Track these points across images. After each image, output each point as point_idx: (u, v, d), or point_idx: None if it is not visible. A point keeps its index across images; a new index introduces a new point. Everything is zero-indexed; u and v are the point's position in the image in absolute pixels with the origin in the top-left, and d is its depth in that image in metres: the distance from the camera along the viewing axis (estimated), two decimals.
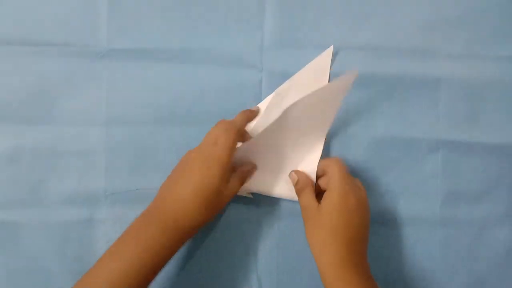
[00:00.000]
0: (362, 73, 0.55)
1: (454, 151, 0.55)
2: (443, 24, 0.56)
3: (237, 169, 0.51)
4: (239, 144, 0.51)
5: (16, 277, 0.54)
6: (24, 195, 0.54)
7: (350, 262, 0.46)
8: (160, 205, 0.48)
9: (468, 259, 0.54)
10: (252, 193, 0.54)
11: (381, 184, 0.55)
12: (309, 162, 0.53)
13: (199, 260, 0.54)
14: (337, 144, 0.55)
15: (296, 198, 0.51)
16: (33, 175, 0.54)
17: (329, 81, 0.54)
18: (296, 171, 0.52)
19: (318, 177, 0.52)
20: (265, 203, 0.55)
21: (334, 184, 0.48)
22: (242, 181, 0.51)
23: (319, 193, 0.50)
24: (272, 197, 0.54)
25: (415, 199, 0.55)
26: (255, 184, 0.53)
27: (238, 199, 0.53)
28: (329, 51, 0.55)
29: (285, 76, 0.55)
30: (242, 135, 0.52)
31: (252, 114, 0.54)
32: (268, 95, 0.55)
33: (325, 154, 0.54)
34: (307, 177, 0.52)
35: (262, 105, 0.55)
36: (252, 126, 0.54)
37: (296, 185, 0.51)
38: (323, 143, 0.54)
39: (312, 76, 0.54)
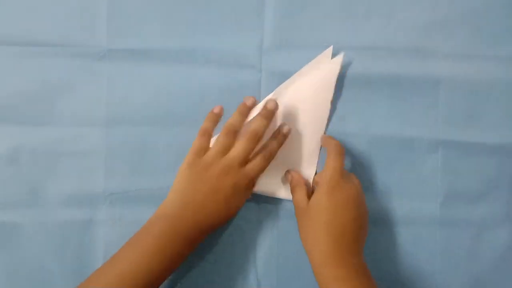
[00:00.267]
0: (362, 73, 0.55)
1: (453, 151, 0.55)
2: (443, 24, 0.56)
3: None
4: None
5: (15, 277, 0.54)
6: (24, 195, 0.54)
7: (341, 259, 0.46)
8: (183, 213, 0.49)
9: (467, 259, 0.54)
10: (252, 193, 0.54)
11: (381, 184, 0.55)
12: (308, 160, 0.53)
13: (198, 260, 0.54)
14: None
15: None
16: (33, 176, 0.54)
17: (335, 85, 0.54)
18: (290, 170, 0.53)
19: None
20: (265, 203, 0.55)
21: (322, 181, 0.49)
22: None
23: None
24: (272, 197, 0.54)
25: (415, 199, 0.55)
26: (256, 184, 0.53)
27: None
28: (329, 51, 0.54)
29: (285, 76, 0.55)
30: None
31: (247, 109, 0.53)
32: (268, 95, 0.55)
33: (325, 154, 0.54)
34: (299, 175, 0.52)
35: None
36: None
37: (290, 183, 0.52)
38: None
39: (317, 79, 0.54)
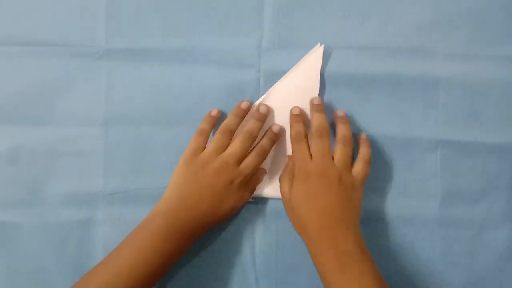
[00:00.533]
0: (361, 73, 0.55)
1: (453, 151, 0.55)
2: (442, 24, 0.56)
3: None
4: None
5: (15, 276, 0.54)
6: (23, 195, 0.54)
7: (332, 239, 0.47)
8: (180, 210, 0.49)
9: (467, 259, 0.54)
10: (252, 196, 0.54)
11: (380, 184, 0.55)
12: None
13: (197, 259, 0.54)
14: None
15: None
16: (32, 176, 0.55)
17: (320, 81, 0.54)
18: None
19: None
20: (265, 203, 0.55)
21: (295, 171, 0.50)
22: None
23: None
24: (272, 197, 0.54)
25: (414, 198, 0.55)
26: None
27: None
28: (319, 50, 0.54)
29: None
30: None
31: (241, 111, 0.53)
32: None
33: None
34: (288, 168, 0.53)
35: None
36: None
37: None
38: None
39: (301, 76, 0.54)
